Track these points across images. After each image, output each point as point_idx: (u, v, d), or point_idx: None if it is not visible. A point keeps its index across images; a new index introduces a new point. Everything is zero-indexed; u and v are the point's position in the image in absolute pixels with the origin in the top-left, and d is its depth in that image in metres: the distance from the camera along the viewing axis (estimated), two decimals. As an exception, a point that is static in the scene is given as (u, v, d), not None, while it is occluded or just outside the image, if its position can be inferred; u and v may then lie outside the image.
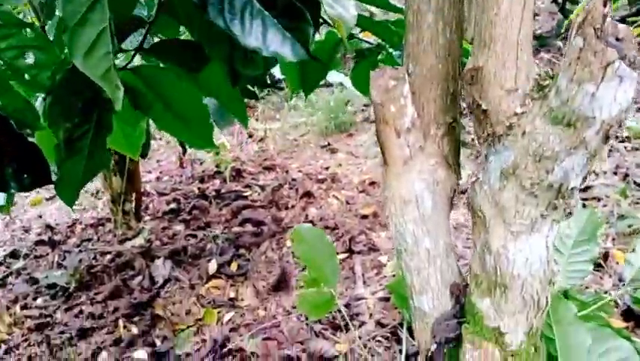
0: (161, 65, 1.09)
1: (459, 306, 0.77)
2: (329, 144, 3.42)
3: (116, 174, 2.44)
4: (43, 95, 1.09)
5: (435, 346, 0.77)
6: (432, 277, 0.76)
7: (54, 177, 1.00)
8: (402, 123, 0.69)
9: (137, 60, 1.13)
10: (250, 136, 3.91)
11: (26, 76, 0.98)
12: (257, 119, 4.19)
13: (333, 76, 1.67)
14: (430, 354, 0.78)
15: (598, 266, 1.66)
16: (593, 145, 0.56)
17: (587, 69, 0.52)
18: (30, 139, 0.97)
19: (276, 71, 1.69)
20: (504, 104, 0.62)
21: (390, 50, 1.22)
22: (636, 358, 1.07)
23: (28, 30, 0.97)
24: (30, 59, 0.97)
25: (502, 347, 0.71)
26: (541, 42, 4.98)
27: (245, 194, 2.83)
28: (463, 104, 0.71)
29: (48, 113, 0.87)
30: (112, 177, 2.44)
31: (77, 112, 0.93)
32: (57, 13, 1.17)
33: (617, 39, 0.54)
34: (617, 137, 2.59)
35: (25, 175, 0.94)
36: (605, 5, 0.53)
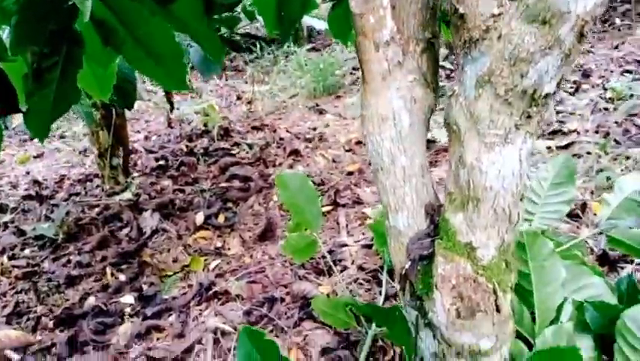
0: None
1: (433, 226, 0.79)
2: (317, 105, 3.41)
3: (102, 128, 2.42)
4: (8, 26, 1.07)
5: (409, 263, 0.79)
6: (407, 195, 0.77)
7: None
8: (381, 36, 0.70)
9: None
10: (239, 98, 3.89)
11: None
12: (246, 82, 4.16)
13: (315, 23, 1.65)
14: (404, 272, 0.80)
15: (576, 217, 1.71)
16: (568, 43, 0.57)
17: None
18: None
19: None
20: (481, 6, 0.62)
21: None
22: (609, 295, 1.11)
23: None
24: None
25: (473, 261, 0.73)
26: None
27: (233, 152, 2.84)
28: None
29: (14, 33, 0.86)
30: (99, 131, 2.43)
31: (45, 36, 0.92)
32: None
33: None
34: (600, 97, 2.62)
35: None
36: None
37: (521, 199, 0.74)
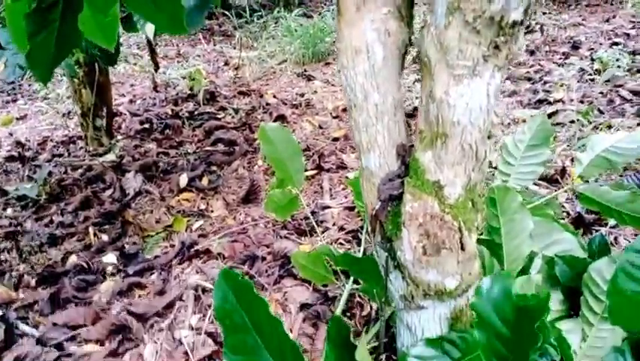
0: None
1: (404, 166, 0.79)
2: (305, 72, 3.38)
3: (85, 87, 2.39)
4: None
5: (379, 204, 0.80)
6: (379, 134, 0.77)
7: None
8: None
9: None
10: (226, 64, 3.84)
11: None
12: (234, 48, 4.10)
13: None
14: (374, 212, 0.81)
15: (555, 182, 1.73)
16: None
17: None
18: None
19: None
20: None
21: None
22: (580, 251, 1.13)
23: None
24: None
25: (440, 200, 0.74)
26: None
27: (218, 116, 2.81)
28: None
29: None
30: (81, 90, 2.39)
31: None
32: None
33: None
34: (588, 68, 2.63)
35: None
36: None
37: (489, 137, 0.74)
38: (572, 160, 1.83)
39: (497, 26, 0.61)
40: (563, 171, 1.71)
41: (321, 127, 2.60)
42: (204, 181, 2.13)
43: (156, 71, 2.89)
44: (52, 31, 1.01)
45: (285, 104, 2.91)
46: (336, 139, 2.39)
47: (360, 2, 0.70)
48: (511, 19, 0.60)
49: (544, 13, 3.84)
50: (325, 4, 4.92)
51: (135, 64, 3.91)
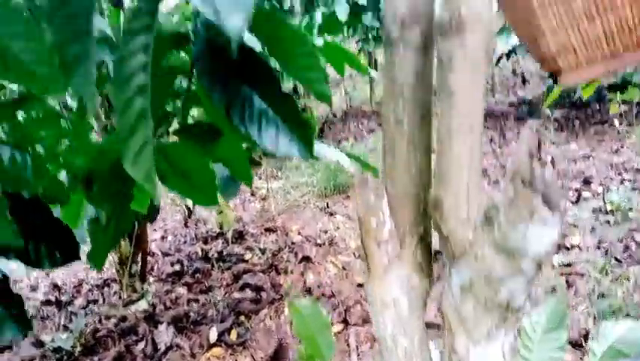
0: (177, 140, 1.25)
1: (433, 399, 0.87)
2: (328, 206, 3.55)
3: (124, 238, 2.55)
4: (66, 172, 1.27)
5: None
6: (409, 373, 0.86)
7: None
8: (381, 235, 0.81)
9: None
10: (253, 194, 4.06)
11: (60, 159, 1.15)
12: (260, 178, 4.34)
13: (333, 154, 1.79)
14: None
15: (579, 346, 1.74)
16: (529, 273, 0.68)
17: (518, 213, 0.65)
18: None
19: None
20: (459, 232, 0.74)
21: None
22: None
23: (63, 120, 1.15)
24: (64, 145, 1.14)
25: None
26: (530, 109, 5.22)
27: (246, 257, 2.93)
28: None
29: (96, 195, 1.03)
30: (121, 241, 2.56)
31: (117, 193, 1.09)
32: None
33: (545, 184, 0.67)
34: (600, 210, 2.72)
35: (57, 253, 1.09)
36: (532, 157, 0.67)
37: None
38: (595, 319, 1.85)
39: (504, 308, 0.71)
40: (586, 336, 1.74)
41: (344, 268, 2.68)
42: (233, 335, 2.19)
43: (189, 217, 3.08)
44: (112, 227, 1.16)
45: (309, 241, 3.03)
46: (360, 285, 2.46)
47: (386, 264, 0.82)
48: (516, 305, 0.71)
49: (553, 143, 4.03)
50: (342, 134, 5.26)
51: (167, 197, 4.16)
